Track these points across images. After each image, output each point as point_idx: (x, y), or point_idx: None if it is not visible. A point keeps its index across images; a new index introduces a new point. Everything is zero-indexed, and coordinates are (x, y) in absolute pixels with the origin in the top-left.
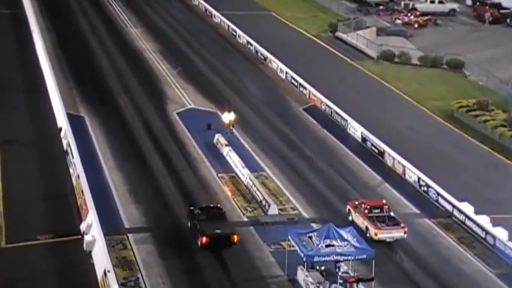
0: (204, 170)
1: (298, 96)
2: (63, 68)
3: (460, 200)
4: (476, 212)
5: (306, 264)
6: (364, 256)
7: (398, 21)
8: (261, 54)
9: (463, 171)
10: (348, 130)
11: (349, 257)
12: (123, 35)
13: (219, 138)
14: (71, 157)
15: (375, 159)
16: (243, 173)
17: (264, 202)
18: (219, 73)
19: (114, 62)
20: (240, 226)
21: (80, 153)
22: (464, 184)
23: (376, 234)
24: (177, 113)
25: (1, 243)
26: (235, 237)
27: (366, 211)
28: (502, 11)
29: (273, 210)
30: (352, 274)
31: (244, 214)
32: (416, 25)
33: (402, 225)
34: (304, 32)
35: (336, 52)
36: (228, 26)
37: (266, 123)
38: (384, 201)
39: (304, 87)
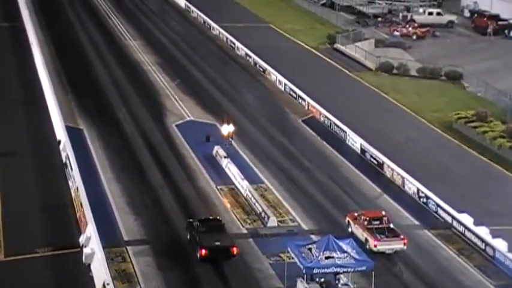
0: (203, 182)
1: (297, 107)
2: (62, 81)
3: (460, 211)
4: (476, 224)
5: (305, 276)
6: (364, 268)
7: (396, 33)
8: (259, 66)
9: (463, 182)
10: (347, 142)
11: (349, 269)
12: (122, 47)
13: (218, 150)
14: (70, 170)
15: (374, 171)
16: (242, 185)
17: (263, 214)
18: (217, 85)
19: (113, 74)
20: (239, 238)
21: (79, 166)
22: (464, 195)
23: (375, 246)
24: (176, 125)
25: (0, 257)
26: (235, 249)
27: (366, 223)
28: (500, 22)
29: (272, 222)
30: (352, 286)
31: (243, 226)
32: (414, 37)
33: (402, 236)
34: (303, 44)
35: (335, 64)
36: (227, 38)
37: (265, 135)
38: (384, 212)
39: (303, 99)
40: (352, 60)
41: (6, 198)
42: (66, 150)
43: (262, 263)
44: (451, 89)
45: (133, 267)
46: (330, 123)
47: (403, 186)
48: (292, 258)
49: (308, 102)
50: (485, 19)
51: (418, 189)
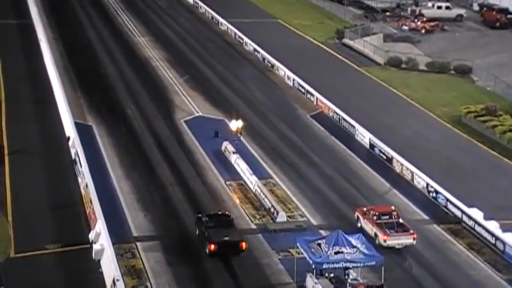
0: (212, 178)
1: (306, 103)
2: (71, 78)
3: (469, 205)
4: (486, 218)
5: (315, 271)
6: (373, 263)
7: (405, 27)
8: (268, 61)
9: (472, 177)
10: (356, 137)
11: (358, 264)
12: (130, 43)
13: (226, 146)
14: (79, 166)
15: (383, 166)
16: (251, 181)
17: (272, 209)
18: (226, 81)
19: (122, 70)
20: (248, 233)
21: (88, 162)
22: (473, 190)
23: (385, 241)
24: (185, 121)
25: (10, 253)
26: (244, 244)
27: (375, 218)
28: (509, 16)
29: (282, 217)
30: (361, 281)
31: (252, 221)
32: (423, 31)
33: (411, 231)
34: (311, 39)
35: (343, 59)
36: (235, 34)
37: (274, 131)
38: (393, 207)
39: (312, 94)
40: (360, 55)
41: (16, 195)
42: (76, 147)
43: (272, 258)
44: (460, 83)
45: (143, 263)
46: (339, 118)
47: (412, 181)
48: (302, 253)
49: (317, 98)
50: (494, 13)
51: (428, 184)
